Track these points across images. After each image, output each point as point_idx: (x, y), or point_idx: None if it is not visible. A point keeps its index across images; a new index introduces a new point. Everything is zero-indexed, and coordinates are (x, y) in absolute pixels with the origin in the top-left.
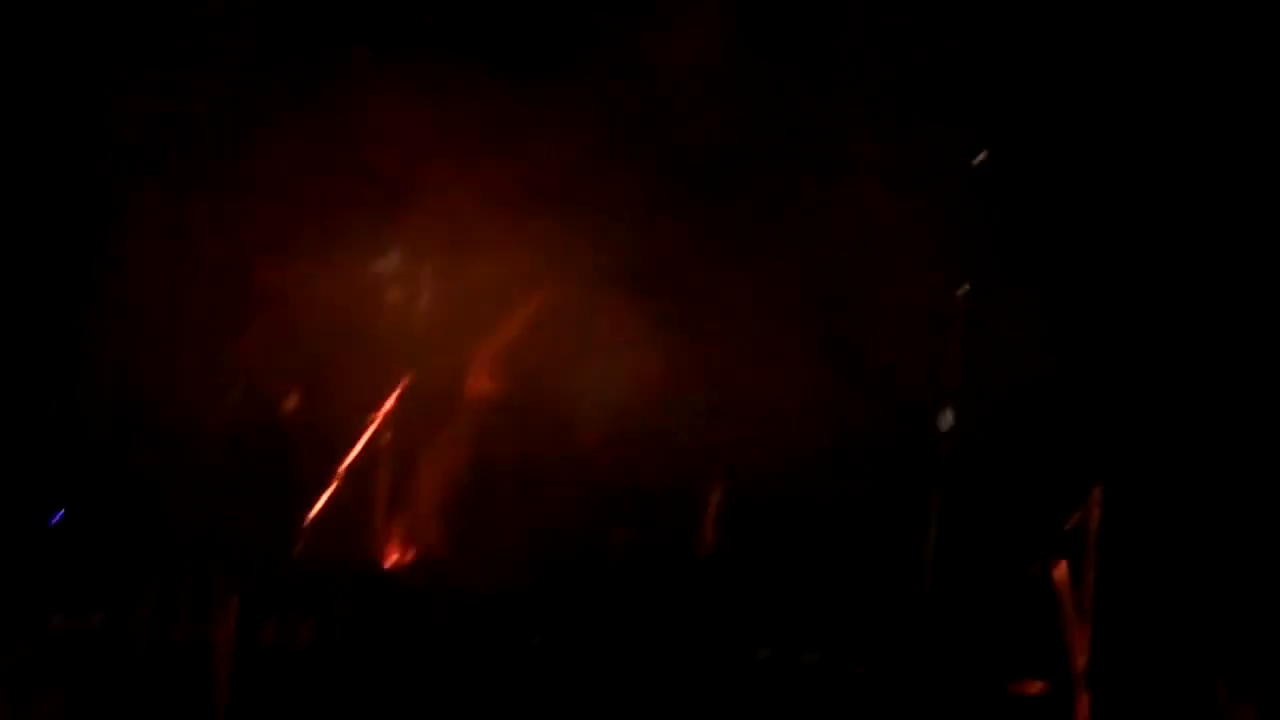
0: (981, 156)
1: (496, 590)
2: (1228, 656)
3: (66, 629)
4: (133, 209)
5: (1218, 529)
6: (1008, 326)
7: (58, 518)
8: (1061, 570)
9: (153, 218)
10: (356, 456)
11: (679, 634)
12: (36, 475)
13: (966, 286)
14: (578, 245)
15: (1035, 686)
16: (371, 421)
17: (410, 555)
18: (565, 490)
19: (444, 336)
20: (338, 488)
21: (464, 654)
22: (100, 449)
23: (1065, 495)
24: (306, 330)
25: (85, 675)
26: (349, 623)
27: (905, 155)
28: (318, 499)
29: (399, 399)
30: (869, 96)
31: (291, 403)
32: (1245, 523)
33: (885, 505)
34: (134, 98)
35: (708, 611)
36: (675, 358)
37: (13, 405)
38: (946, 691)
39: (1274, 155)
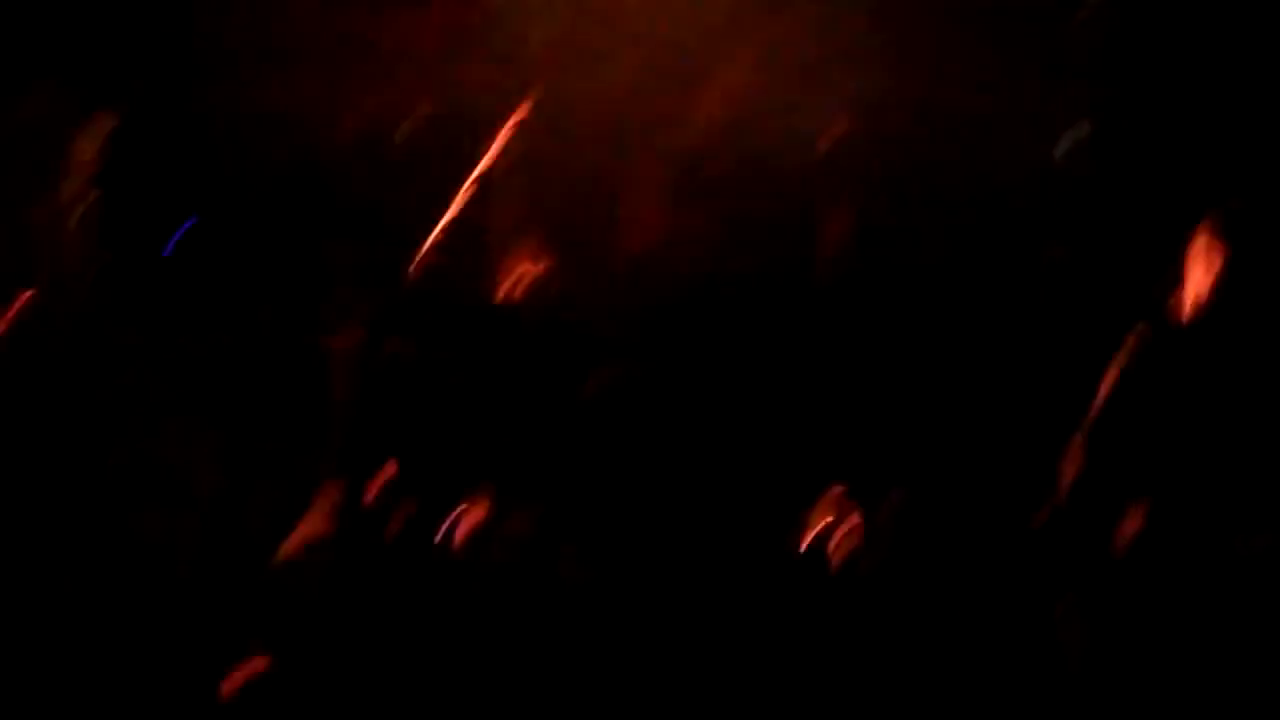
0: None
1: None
2: None
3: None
4: None
5: None
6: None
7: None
8: None
9: None
10: (485, 172)
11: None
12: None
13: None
14: None
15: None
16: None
17: (530, 284)
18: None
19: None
20: (464, 206)
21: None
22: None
23: None
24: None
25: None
26: (465, 351)
27: None
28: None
29: (530, 111)
30: None
31: (420, 115)
32: None
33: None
34: None
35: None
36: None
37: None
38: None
39: None
